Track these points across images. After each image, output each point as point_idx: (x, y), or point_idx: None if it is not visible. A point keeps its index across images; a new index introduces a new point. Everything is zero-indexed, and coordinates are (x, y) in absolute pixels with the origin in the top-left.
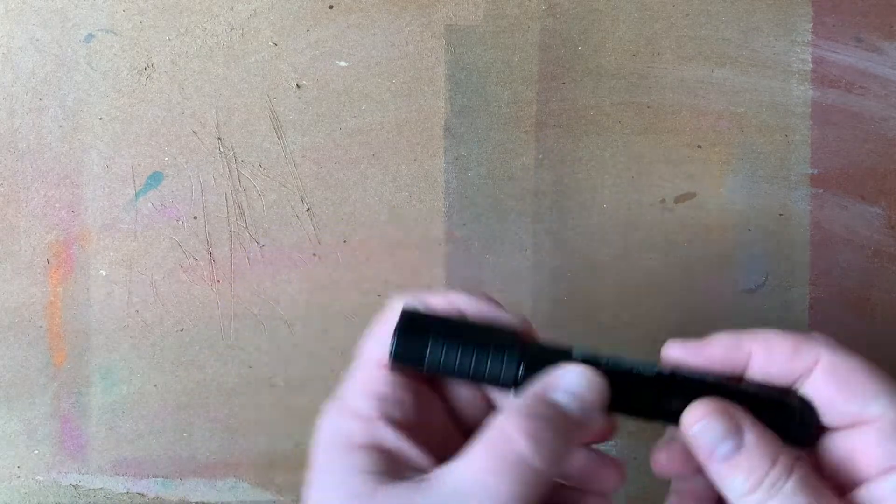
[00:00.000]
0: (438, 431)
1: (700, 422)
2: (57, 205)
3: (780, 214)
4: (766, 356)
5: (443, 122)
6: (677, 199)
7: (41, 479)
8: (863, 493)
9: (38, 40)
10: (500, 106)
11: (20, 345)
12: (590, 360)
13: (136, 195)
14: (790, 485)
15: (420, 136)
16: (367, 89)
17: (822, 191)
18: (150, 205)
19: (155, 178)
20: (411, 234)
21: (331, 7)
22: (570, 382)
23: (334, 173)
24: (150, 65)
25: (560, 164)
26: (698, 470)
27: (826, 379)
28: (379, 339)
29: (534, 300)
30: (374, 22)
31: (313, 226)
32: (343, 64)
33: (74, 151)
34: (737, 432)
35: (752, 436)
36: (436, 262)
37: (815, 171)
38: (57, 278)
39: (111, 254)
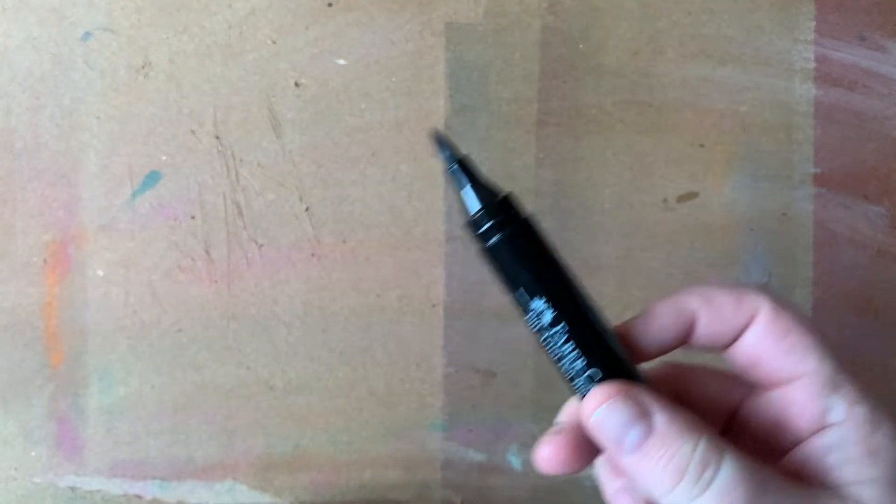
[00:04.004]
0: None
1: (598, 409)
2: (54, 204)
3: (783, 214)
4: (712, 315)
5: (443, 121)
6: (679, 199)
7: (38, 480)
8: (796, 454)
9: (35, 39)
10: (500, 105)
11: (16, 346)
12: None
13: (133, 195)
14: (724, 475)
15: (420, 135)
16: (366, 88)
17: (825, 190)
18: (147, 204)
19: (152, 178)
20: (411, 234)
21: (329, 5)
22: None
23: (333, 172)
24: (147, 63)
25: (561, 163)
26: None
27: (765, 333)
28: None
29: None
30: (374, 20)
31: (312, 225)
32: (342, 62)
33: (71, 150)
34: (643, 415)
35: (663, 416)
36: (436, 262)
37: (818, 171)
38: (54, 278)
39: (108, 254)
